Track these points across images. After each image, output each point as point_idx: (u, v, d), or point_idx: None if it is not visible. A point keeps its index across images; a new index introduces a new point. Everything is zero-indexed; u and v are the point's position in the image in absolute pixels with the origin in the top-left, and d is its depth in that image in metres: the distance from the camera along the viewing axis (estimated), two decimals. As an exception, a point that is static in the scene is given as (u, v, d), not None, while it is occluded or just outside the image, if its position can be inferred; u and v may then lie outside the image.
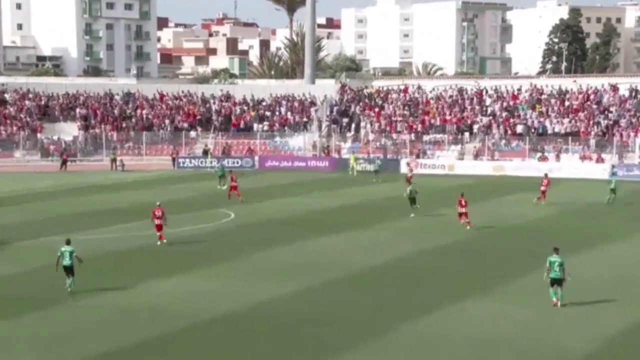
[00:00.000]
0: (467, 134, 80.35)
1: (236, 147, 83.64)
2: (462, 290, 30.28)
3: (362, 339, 24.78)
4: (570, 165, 72.49)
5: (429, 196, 57.34)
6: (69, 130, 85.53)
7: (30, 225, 45.00)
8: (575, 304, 28.21)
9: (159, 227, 39.38)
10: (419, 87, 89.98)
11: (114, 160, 77.56)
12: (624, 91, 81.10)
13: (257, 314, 27.23)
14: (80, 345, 23.99)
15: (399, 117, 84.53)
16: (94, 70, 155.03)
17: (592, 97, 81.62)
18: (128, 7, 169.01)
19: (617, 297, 29.39)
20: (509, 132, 79.26)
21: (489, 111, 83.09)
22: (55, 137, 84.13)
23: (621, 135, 75.19)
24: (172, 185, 65.86)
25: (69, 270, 29.20)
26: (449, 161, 76.41)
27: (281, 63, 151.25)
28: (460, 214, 43.04)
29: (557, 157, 74.67)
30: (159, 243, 39.20)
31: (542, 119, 79.96)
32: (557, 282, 27.75)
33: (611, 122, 77.10)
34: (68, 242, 29.66)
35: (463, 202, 43.13)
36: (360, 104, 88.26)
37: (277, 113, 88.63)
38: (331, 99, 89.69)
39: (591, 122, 77.65)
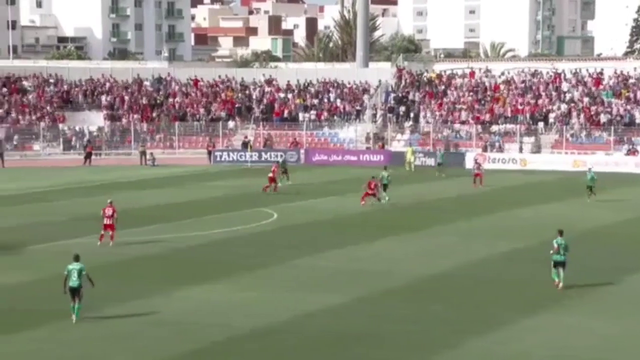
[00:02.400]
0: (542, 124, 79.53)
1: (279, 138, 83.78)
2: (537, 302, 29.90)
3: (420, 357, 24.53)
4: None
5: (498, 195, 57.05)
6: (93, 120, 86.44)
7: (48, 227, 45.37)
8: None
9: (108, 227, 39.52)
10: (487, 71, 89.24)
11: (143, 154, 78.08)
12: None
13: (299, 329, 27.10)
14: (101, 362, 24.14)
15: (463, 105, 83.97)
16: (120, 53, 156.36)
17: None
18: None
19: None
20: (591, 122, 78.30)
21: (567, 98, 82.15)
22: (78, 128, 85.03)
23: None
24: (207, 181, 66.15)
25: (75, 292, 27.09)
26: (522, 155, 75.77)
27: (330, 44, 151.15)
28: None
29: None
30: (99, 244, 39.45)
31: (629, 107, 78.87)
32: (560, 264, 31.04)
33: None
34: (77, 259, 27.67)
35: (372, 186, 50.49)
36: (420, 90, 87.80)
37: (325, 101, 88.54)
38: (387, 84, 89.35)
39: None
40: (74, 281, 26.95)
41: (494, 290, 32.24)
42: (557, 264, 31.14)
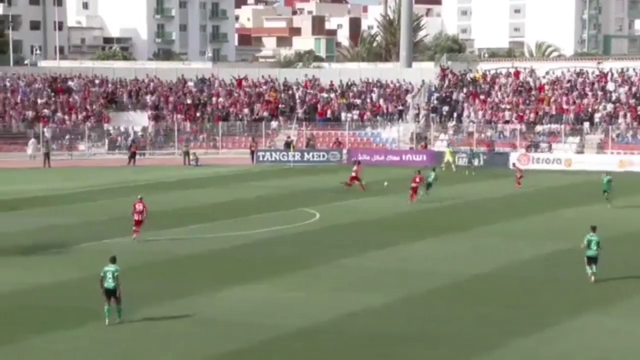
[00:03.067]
0: (587, 124, 78.89)
1: (322, 138, 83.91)
2: (581, 304, 29.81)
3: (466, 357, 24.54)
4: None
5: (542, 195, 56.71)
6: (138, 120, 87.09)
7: (94, 226, 45.93)
8: None
9: (138, 223, 40.63)
10: (532, 71, 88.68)
11: (186, 154, 78.53)
12: None
13: (343, 328, 27.18)
14: (146, 361, 24.36)
15: (507, 105, 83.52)
16: (165, 54, 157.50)
17: None
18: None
19: None
20: (637, 121, 77.58)
21: (613, 97, 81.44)
22: (123, 128, 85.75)
23: None
24: (250, 181, 66.40)
25: (111, 294, 26.99)
26: (567, 155, 75.20)
27: (374, 44, 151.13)
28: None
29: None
30: (133, 237, 40.52)
31: (675, 107, 78.09)
32: (593, 260, 32.07)
33: None
34: (113, 260, 27.54)
35: (417, 180, 52.41)
36: (464, 90, 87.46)
37: (368, 101, 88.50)
38: (430, 84, 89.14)
39: None
40: (109, 282, 26.94)
41: (537, 291, 32.09)
42: (590, 260, 32.20)
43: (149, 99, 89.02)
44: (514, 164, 69.44)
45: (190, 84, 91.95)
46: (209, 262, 37.29)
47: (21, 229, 44.93)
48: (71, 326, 27.09)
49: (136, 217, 40.71)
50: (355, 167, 60.50)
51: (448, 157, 71.74)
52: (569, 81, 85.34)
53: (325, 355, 24.86)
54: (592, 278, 32.12)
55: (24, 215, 49.47)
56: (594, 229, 32.61)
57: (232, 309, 29.38)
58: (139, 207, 40.68)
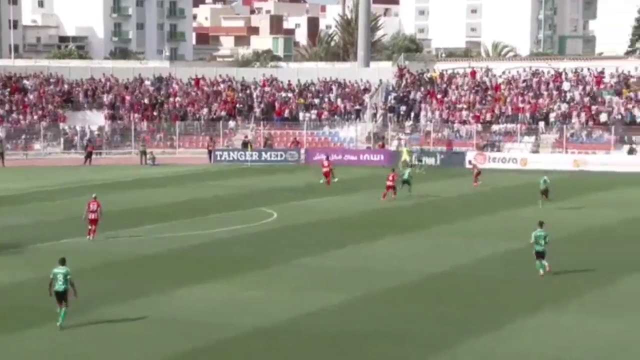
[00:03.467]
0: (542, 124, 79.61)
1: (280, 138, 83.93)
2: (537, 302, 30.05)
3: (422, 355, 24.62)
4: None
5: (499, 195, 57.12)
6: (94, 120, 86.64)
7: (50, 226, 45.62)
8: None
9: (92, 222, 40.58)
10: (488, 71, 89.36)
11: (143, 153, 78.26)
12: None
13: (302, 328, 27.23)
14: (104, 361, 24.25)
15: (464, 105, 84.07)
16: (122, 53, 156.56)
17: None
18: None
19: None
20: (592, 121, 78.38)
21: (568, 97, 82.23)
22: (79, 127, 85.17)
23: None
24: (208, 181, 66.28)
25: (61, 296, 26.23)
26: (522, 154, 75.83)
27: (332, 44, 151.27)
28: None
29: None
30: (88, 237, 40.55)
31: (630, 106, 78.93)
32: (541, 255, 33.22)
33: None
34: (62, 262, 26.75)
35: (392, 178, 53.07)
36: (421, 89, 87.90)
37: (326, 100, 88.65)
38: (388, 84, 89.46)
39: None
40: (59, 285, 26.25)
41: (494, 290, 32.37)
42: (538, 254, 33.34)
43: (105, 98, 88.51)
44: (470, 162, 70.05)
45: (147, 83, 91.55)
46: (168, 262, 37.13)
47: (-24, 229, 44.53)
48: (30, 327, 26.83)
49: (91, 217, 40.54)
50: (326, 163, 61.56)
51: (405, 157, 71.95)
52: (524, 81, 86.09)
53: (284, 354, 24.86)
54: (541, 272, 33.15)
55: (-21, 216, 49.00)
56: (541, 224, 33.69)
57: (191, 308, 29.31)
58: (93, 206, 40.54)
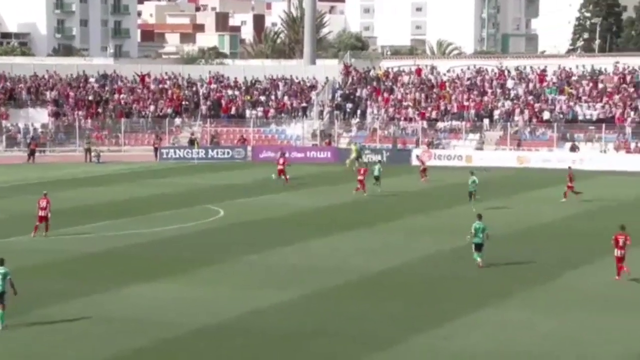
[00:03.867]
0: (486, 121, 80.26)
1: (226, 135, 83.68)
2: (481, 298, 30.32)
3: (367, 353, 24.65)
4: (603, 156, 72.71)
5: (444, 192, 57.45)
6: (37, 117, 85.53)
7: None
8: (606, 315, 28.38)
9: (42, 219, 40.50)
10: (433, 68, 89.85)
11: (88, 151, 77.60)
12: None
13: (249, 326, 27.16)
14: (48, 361, 23.97)
15: (410, 102, 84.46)
16: (65, 49, 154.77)
17: (628, 78, 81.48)
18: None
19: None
20: (535, 118, 79.17)
21: (511, 95, 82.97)
22: (22, 125, 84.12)
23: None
24: (153, 179, 65.84)
25: (1, 297, 25.70)
26: (467, 151, 76.38)
27: (278, 41, 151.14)
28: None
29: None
30: (32, 235, 40.40)
31: (571, 104, 79.84)
32: (479, 246, 34.47)
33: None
34: (1, 262, 26.11)
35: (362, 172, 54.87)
36: (367, 87, 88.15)
37: (272, 97, 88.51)
38: (334, 81, 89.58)
39: (628, 107, 77.55)
40: None
41: (440, 286, 32.58)
42: (476, 246, 34.53)
43: (49, 95, 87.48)
44: (417, 156, 70.38)
45: (92, 80, 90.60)
46: (113, 260, 36.84)
47: None
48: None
49: (41, 214, 40.28)
50: (281, 160, 61.38)
51: (354, 154, 72.09)
52: (469, 79, 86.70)
53: (231, 352, 24.80)
54: (480, 264, 34.32)
55: None
56: (479, 217, 34.89)
57: (137, 307, 29.13)
58: (43, 203, 40.35)
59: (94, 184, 62.87)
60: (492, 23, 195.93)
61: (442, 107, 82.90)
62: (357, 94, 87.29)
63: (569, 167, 55.70)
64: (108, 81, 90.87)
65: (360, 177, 54.84)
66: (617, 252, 32.65)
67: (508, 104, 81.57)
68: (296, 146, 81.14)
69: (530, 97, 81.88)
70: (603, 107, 78.31)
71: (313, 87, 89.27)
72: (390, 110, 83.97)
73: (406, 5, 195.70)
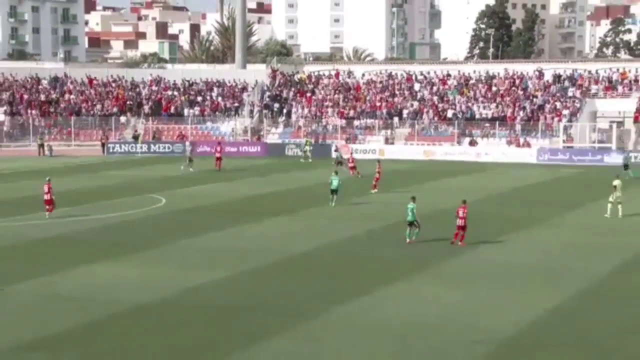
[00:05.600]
0: (397, 119, 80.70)
1: (167, 132, 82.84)
2: (396, 274, 30.41)
3: (293, 324, 24.60)
4: (497, 150, 73.75)
5: (362, 182, 57.56)
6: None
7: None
8: (503, 288, 28.67)
9: (47, 202, 41.79)
10: (350, 73, 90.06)
11: (41, 146, 76.16)
12: (548, 77, 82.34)
13: (186, 302, 26.85)
14: None
15: (330, 103, 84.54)
16: (19, 54, 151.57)
17: (517, 82, 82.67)
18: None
19: (543, 281, 29.77)
20: (438, 117, 79.87)
21: (419, 97, 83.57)
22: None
23: (545, 119, 76.39)
24: (101, 171, 64.86)
25: None
26: (380, 146, 76.72)
27: (212, 48, 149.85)
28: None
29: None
30: (47, 215, 41.38)
31: (470, 104, 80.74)
32: (411, 224, 35.38)
33: (536, 107, 78.26)
34: None
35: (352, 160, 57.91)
36: (292, 89, 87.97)
37: (208, 98, 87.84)
38: (262, 84, 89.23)
39: (517, 107, 78.70)
40: None
41: (359, 264, 32.56)
42: (409, 224, 35.52)
43: (4, 95, 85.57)
44: (335, 149, 70.44)
45: (44, 82, 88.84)
46: (63, 244, 36.18)
47: None
48: None
49: (45, 197, 41.76)
50: (218, 148, 63.48)
51: (307, 147, 72.63)
52: (381, 82, 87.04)
53: (173, 326, 24.41)
54: (408, 240, 35.24)
55: None
56: (413, 199, 35.77)
57: (84, 285, 28.59)
58: (45, 188, 41.71)
59: (45, 175, 61.54)
60: (400, 33, 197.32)
61: (358, 107, 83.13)
62: (283, 95, 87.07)
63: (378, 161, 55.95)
64: (59, 83, 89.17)
65: (351, 164, 58.21)
66: (458, 222, 34.79)
67: (415, 104, 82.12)
68: (229, 141, 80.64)
69: (434, 98, 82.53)
70: (497, 107, 79.28)
71: (244, 88, 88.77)
72: (313, 109, 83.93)
73: (326, 17, 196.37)
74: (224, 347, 22.77)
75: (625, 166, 56.64)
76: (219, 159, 63.33)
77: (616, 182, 42.83)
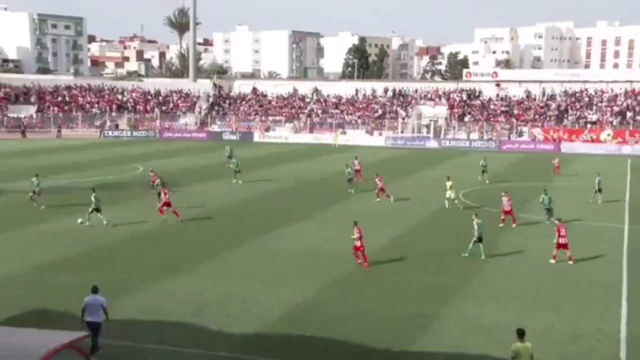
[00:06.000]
0: (298, 119, 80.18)
1: (142, 124, 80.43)
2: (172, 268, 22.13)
3: (220, 251, 23.52)
4: (360, 137, 73.40)
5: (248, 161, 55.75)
6: (26, 111, 79.43)
7: None
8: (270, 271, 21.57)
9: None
10: (265, 88, 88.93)
11: (59, 131, 73.23)
12: (390, 91, 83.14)
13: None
14: None
15: (251, 110, 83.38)
16: (44, 70, 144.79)
17: (370, 95, 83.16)
18: (67, 27, 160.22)
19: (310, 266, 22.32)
20: (325, 114, 79.52)
21: (311, 103, 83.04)
22: (15, 115, 77.97)
23: (389, 118, 77.14)
24: (99, 148, 61.68)
25: None
26: (286, 134, 75.45)
27: (173, 68, 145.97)
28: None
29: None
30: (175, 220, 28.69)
31: (343, 111, 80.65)
32: (480, 240, 22.86)
33: (384, 110, 78.96)
34: None
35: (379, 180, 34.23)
36: (227, 98, 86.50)
37: (170, 101, 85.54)
38: (208, 93, 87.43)
39: (371, 111, 79.18)
40: None
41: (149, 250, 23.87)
42: (479, 239, 23.01)
43: (33, 99, 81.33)
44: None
45: (61, 89, 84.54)
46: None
47: None
48: None
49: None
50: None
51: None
52: (287, 92, 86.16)
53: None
54: (483, 256, 22.79)
55: None
56: (476, 215, 23.48)
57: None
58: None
59: (63, 152, 59.07)
60: (299, 60, 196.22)
61: (272, 111, 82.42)
62: (220, 102, 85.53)
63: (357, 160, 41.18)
64: (70, 90, 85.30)
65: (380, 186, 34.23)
66: (560, 240, 22.46)
67: (310, 107, 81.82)
68: (187, 129, 78.89)
69: (319, 104, 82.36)
70: (360, 112, 79.62)
71: (197, 96, 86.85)
72: (241, 113, 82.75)
73: (249, 49, 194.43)
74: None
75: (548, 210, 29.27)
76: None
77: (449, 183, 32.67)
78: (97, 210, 27.57)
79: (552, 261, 22.54)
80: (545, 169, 47.44)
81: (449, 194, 32.30)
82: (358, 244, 21.81)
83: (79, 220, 27.83)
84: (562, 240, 22.33)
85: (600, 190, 34.03)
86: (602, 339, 16.12)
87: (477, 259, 22.86)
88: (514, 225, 28.29)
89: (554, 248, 22.61)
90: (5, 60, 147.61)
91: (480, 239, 22.95)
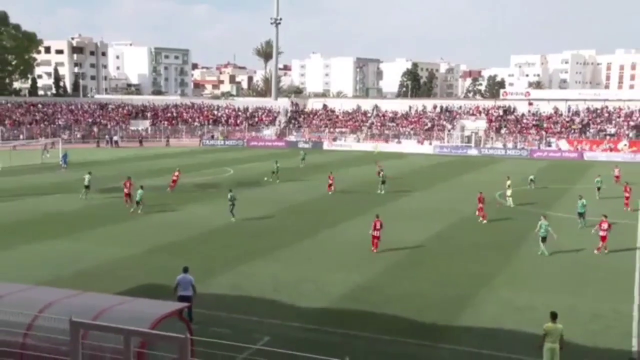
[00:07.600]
0: (361, 132, 79.51)
1: (233, 135, 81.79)
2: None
3: (292, 242, 23.11)
4: (412, 145, 72.21)
5: (359, 179, 54.83)
6: (143, 125, 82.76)
7: None
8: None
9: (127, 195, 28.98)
10: (334, 105, 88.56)
11: (168, 140, 75.62)
12: (438, 108, 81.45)
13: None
14: None
15: (326, 122, 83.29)
16: (157, 91, 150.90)
17: (422, 111, 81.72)
18: (176, 57, 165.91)
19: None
20: (383, 127, 78.53)
21: (371, 118, 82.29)
22: (134, 128, 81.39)
23: (437, 130, 75.54)
24: (201, 154, 61.88)
25: None
26: (350, 144, 74.78)
27: (259, 89, 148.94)
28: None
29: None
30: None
31: (399, 123, 79.32)
32: (544, 239, 21.64)
33: (433, 124, 77.51)
34: None
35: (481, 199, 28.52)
36: (302, 113, 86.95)
37: (256, 116, 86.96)
38: (287, 109, 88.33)
39: (422, 125, 77.56)
40: None
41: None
42: (542, 239, 21.87)
43: (149, 114, 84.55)
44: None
45: (170, 106, 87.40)
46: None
47: None
48: None
49: (125, 191, 29.74)
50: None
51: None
52: (352, 109, 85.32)
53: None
54: (547, 254, 21.55)
55: None
56: (544, 217, 22.43)
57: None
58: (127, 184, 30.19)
59: (169, 156, 60.05)
60: (362, 82, 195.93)
61: (339, 124, 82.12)
62: (297, 117, 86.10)
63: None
64: (177, 108, 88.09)
65: (480, 206, 27.96)
66: (601, 233, 21.94)
67: (370, 121, 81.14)
68: (269, 139, 79.87)
69: (378, 119, 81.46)
70: (414, 124, 78.23)
71: (277, 112, 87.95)
72: (315, 126, 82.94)
73: (321, 73, 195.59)
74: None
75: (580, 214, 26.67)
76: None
77: (509, 182, 31.62)
78: (233, 205, 26.61)
79: (596, 252, 21.72)
80: (570, 174, 45.32)
81: (509, 192, 30.50)
82: (376, 234, 21.48)
83: (233, 220, 26.43)
84: (602, 233, 21.67)
85: (599, 189, 34.19)
86: (618, 318, 15.98)
87: (511, 251, 22.13)
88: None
89: (599, 241, 21.94)
90: (129, 85, 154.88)
91: (544, 239, 21.64)
